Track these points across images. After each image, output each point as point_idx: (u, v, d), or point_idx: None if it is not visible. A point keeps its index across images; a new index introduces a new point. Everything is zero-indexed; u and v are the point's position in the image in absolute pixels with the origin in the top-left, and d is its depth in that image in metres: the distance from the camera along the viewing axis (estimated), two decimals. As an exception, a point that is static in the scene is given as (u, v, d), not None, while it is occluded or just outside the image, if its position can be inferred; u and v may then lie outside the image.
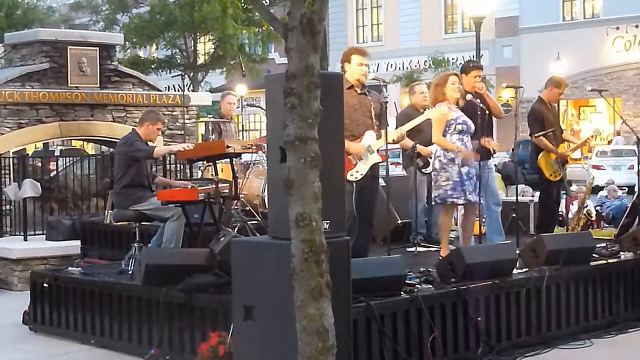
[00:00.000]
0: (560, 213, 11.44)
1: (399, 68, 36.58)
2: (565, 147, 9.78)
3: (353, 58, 7.77)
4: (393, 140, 7.92)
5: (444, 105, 8.04)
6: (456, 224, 9.27)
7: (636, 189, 16.63)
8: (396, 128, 8.40)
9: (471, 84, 8.90)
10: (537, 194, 10.35)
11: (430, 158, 9.05)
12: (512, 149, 16.60)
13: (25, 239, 11.34)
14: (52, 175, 13.98)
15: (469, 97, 8.40)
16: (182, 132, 13.23)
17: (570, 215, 11.74)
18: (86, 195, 12.61)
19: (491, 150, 8.86)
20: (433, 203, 8.60)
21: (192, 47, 30.19)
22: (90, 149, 23.67)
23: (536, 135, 9.48)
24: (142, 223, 8.64)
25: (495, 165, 10.38)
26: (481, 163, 8.45)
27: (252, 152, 9.60)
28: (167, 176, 11.67)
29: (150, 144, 8.86)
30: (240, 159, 10.32)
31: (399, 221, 9.84)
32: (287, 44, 4.23)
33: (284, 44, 4.31)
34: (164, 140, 12.39)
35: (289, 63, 4.26)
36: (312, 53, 4.21)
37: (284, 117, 4.31)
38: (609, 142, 30.61)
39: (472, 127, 8.23)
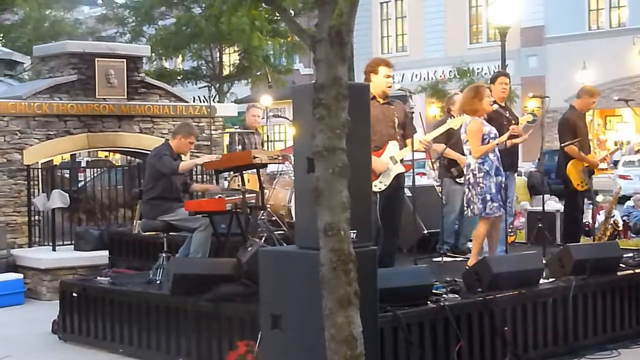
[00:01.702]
0: (586, 223, 11.39)
1: (424, 78, 36.55)
2: (594, 155, 9.77)
3: (380, 69, 7.74)
4: (418, 149, 7.93)
5: (477, 119, 8.02)
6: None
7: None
8: None
9: (499, 92, 8.98)
10: (563, 203, 10.30)
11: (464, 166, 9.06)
12: (539, 159, 16.53)
13: (54, 249, 11.44)
14: (79, 186, 14.08)
15: (495, 107, 8.40)
16: (209, 143, 13.29)
17: (597, 226, 11.68)
18: (114, 206, 12.71)
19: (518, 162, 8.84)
20: (470, 215, 8.41)
21: (218, 59, 30.35)
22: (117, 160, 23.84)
23: (563, 144, 9.47)
24: (170, 233, 8.71)
25: (519, 176, 10.34)
26: (507, 173, 8.44)
27: (278, 163, 9.65)
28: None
29: (183, 157, 8.95)
30: (267, 169, 10.37)
31: (425, 231, 9.83)
32: (316, 56, 4.26)
33: (309, 55, 4.34)
34: (191, 151, 12.45)
35: (317, 74, 4.30)
36: (340, 64, 4.25)
37: (311, 127, 4.35)
38: (637, 151, 30.31)
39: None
